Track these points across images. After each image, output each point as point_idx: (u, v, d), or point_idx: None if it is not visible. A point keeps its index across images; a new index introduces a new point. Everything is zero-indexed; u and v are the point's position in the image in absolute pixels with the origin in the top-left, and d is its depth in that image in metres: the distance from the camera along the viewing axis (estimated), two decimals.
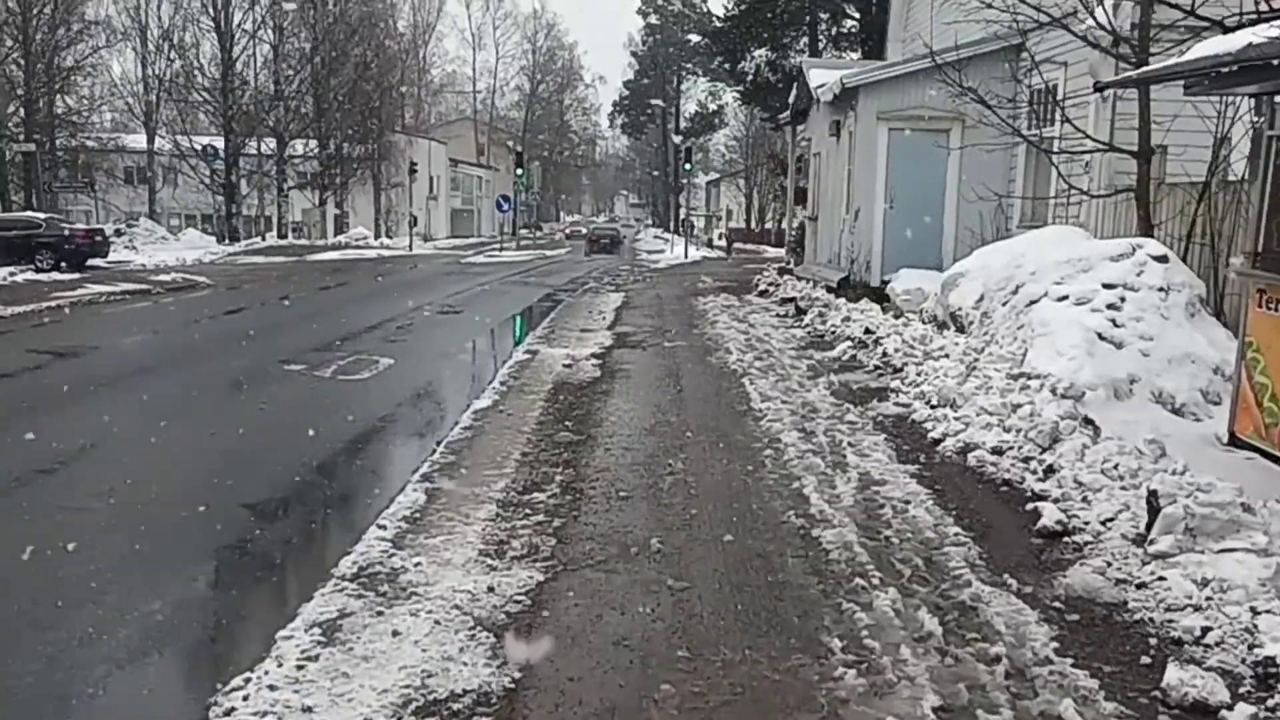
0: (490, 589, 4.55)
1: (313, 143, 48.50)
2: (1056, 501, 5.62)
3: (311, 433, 7.65)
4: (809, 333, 12.90)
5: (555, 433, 7.56)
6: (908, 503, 5.80)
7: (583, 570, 4.82)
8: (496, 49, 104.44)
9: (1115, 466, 5.82)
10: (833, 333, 12.57)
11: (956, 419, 7.42)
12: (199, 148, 40.88)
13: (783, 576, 4.73)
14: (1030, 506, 5.68)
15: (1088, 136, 10.45)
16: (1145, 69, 7.90)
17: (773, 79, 37.35)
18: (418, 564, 4.85)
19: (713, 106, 77.36)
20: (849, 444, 7.16)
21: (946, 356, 9.39)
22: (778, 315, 14.85)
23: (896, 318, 12.65)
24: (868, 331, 11.65)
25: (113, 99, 50.95)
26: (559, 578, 4.72)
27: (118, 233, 37.35)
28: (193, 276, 20.92)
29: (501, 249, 38.53)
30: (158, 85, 48.60)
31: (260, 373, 10.37)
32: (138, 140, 51.86)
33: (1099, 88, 9.13)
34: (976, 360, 8.17)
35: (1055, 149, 11.65)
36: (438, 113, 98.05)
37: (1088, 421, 6.58)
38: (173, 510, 5.91)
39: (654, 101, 73.93)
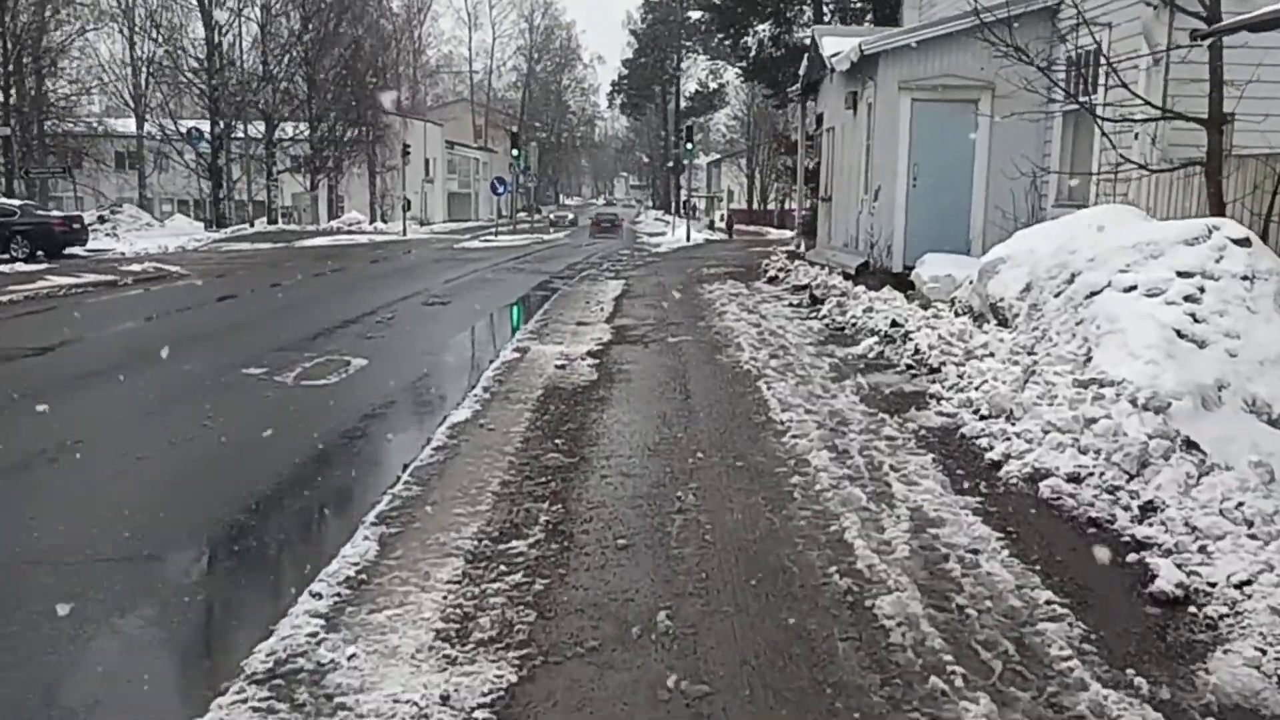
0: (445, 698, 3.41)
1: (303, 125, 47.25)
2: (1168, 554, 4.47)
3: (255, 456, 6.51)
4: (827, 325, 11.73)
5: (542, 454, 6.40)
6: (977, 553, 4.65)
7: (568, 663, 3.67)
8: (493, 28, 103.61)
9: (1238, 506, 4.66)
10: (854, 325, 11.40)
11: (1016, 435, 6.26)
12: (184, 131, 39.53)
13: (833, 673, 3.58)
14: (1133, 558, 4.54)
15: (1147, 103, 9.25)
16: (1263, 10, 6.66)
17: (776, 54, 36.06)
18: (353, 656, 3.70)
19: (713, 85, 75.99)
20: (891, 467, 6.00)
21: (991, 355, 8.23)
22: (791, 305, 13.68)
23: (924, 308, 11.47)
24: (894, 324, 10.48)
25: (101, 83, 49.68)
26: (536, 677, 3.57)
27: (101, 219, 36.17)
28: (167, 266, 19.76)
29: (497, 233, 37.29)
30: (145, 67, 47.38)
31: (212, 380, 9.21)
32: (128, 125, 50.65)
33: (1201, 36, 7.94)
34: (1034, 364, 6.99)
35: (1104, 117, 10.44)
36: (435, 94, 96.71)
37: (1190, 444, 5.42)
38: (44, 570, 4.76)
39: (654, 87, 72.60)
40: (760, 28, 37.06)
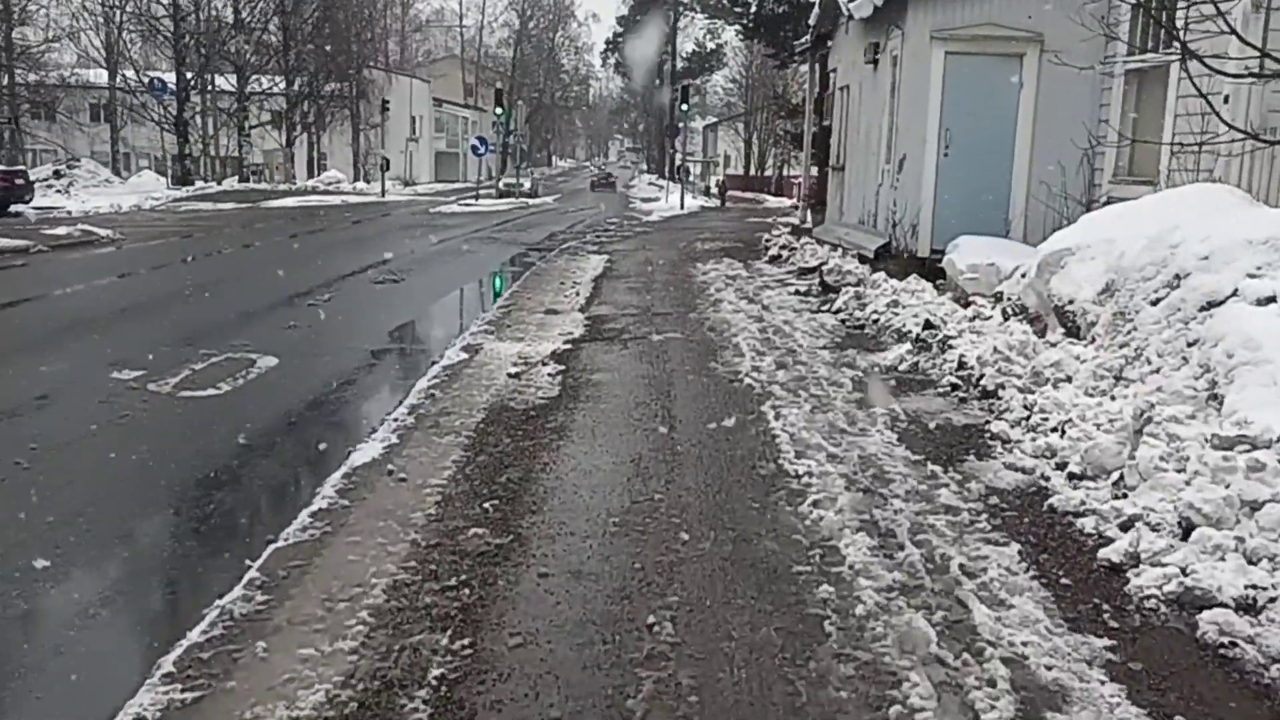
0: None
1: (279, 78, 44.86)
2: None
3: (50, 536, 4.60)
4: (843, 322, 9.80)
5: (463, 529, 4.50)
6: None
7: None
8: None
9: None
10: (876, 323, 9.48)
11: (1139, 519, 4.37)
12: (146, 81, 37.18)
13: None
14: None
15: (1264, 54, 7.28)
16: None
17: (779, 10, 33.89)
18: None
19: (711, 46, 73.37)
20: (963, 568, 4.11)
21: (1068, 380, 6.32)
22: (797, 293, 11.73)
23: (961, 304, 9.55)
24: (929, 326, 8.56)
25: (73, 30, 47.04)
26: None
27: (56, 174, 34.02)
28: (99, 230, 17.70)
29: (478, 197, 35.15)
30: (119, 14, 44.78)
31: (65, 387, 7.27)
32: (101, 76, 48.10)
33: None
34: (1149, 407, 5.08)
35: (1216, 69, 8.48)
36: (424, 51, 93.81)
37: None
38: None
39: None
40: None
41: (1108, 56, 10.72)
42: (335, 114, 53.24)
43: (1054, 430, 5.68)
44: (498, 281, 13.82)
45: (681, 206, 35.46)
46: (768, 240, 17.22)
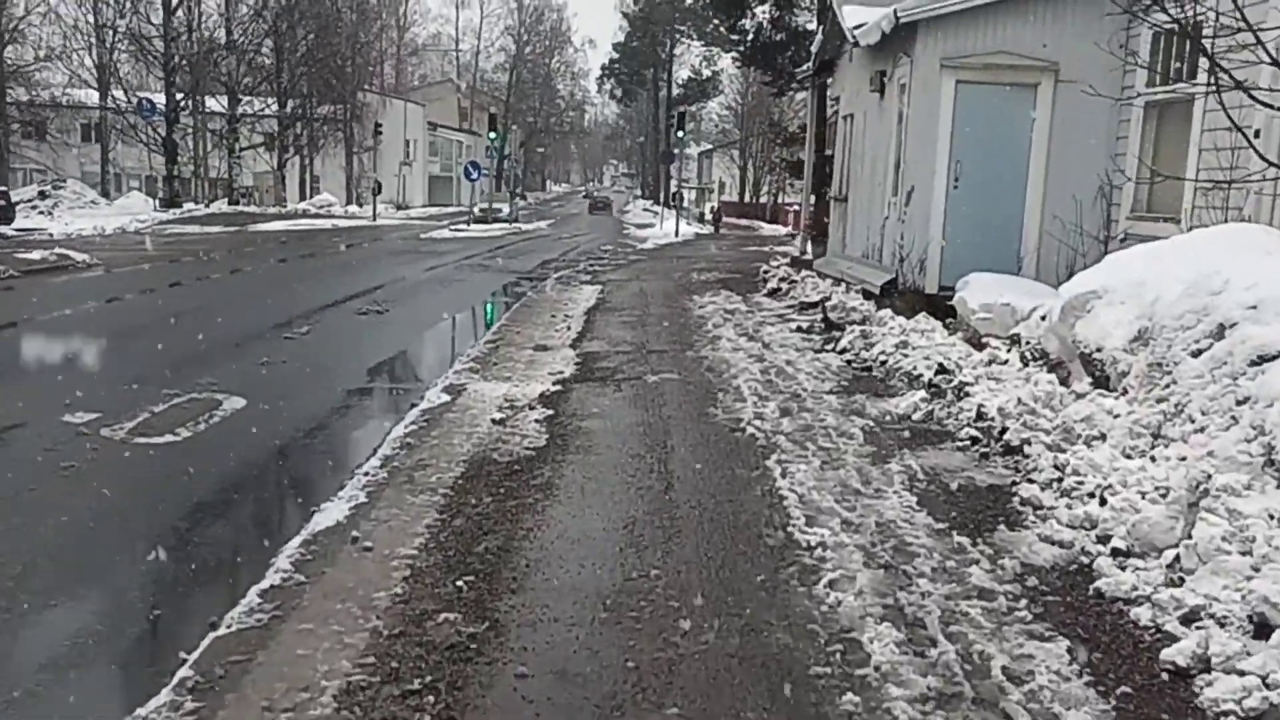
0: None
1: (272, 100, 44.45)
2: None
3: None
4: (849, 363, 9.27)
5: (432, 615, 3.95)
6: None
7: None
8: (481, 7, 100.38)
9: None
10: (884, 365, 8.96)
11: (1203, 610, 3.83)
12: (134, 101, 36.72)
13: None
14: None
15: None
16: None
17: (776, 38, 33.60)
18: None
19: (707, 72, 73.41)
20: (1007, 672, 3.56)
21: (1102, 439, 5.80)
22: (799, 330, 11.20)
23: (975, 346, 9.05)
24: (942, 371, 8.04)
25: (65, 50, 46.57)
26: None
27: (41, 195, 33.54)
28: (75, 254, 17.12)
29: (470, 222, 34.66)
30: (111, 35, 44.33)
31: (4, 430, 6.69)
32: (92, 96, 47.56)
33: None
34: (1206, 479, 4.54)
35: (1263, 97, 8.01)
36: (420, 75, 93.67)
37: None
38: None
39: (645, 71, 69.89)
40: (759, 10, 34.53)
41: (1126, 87, 10.29)
42: (328, 137, 52.88)
43: (1091, 496, 5.15)
44: (486, 313, 13.30)
45: (676, 234, 35.03)
46: (766, 272, 16.72)
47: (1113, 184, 10.42)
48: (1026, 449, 6.07)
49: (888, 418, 7.23)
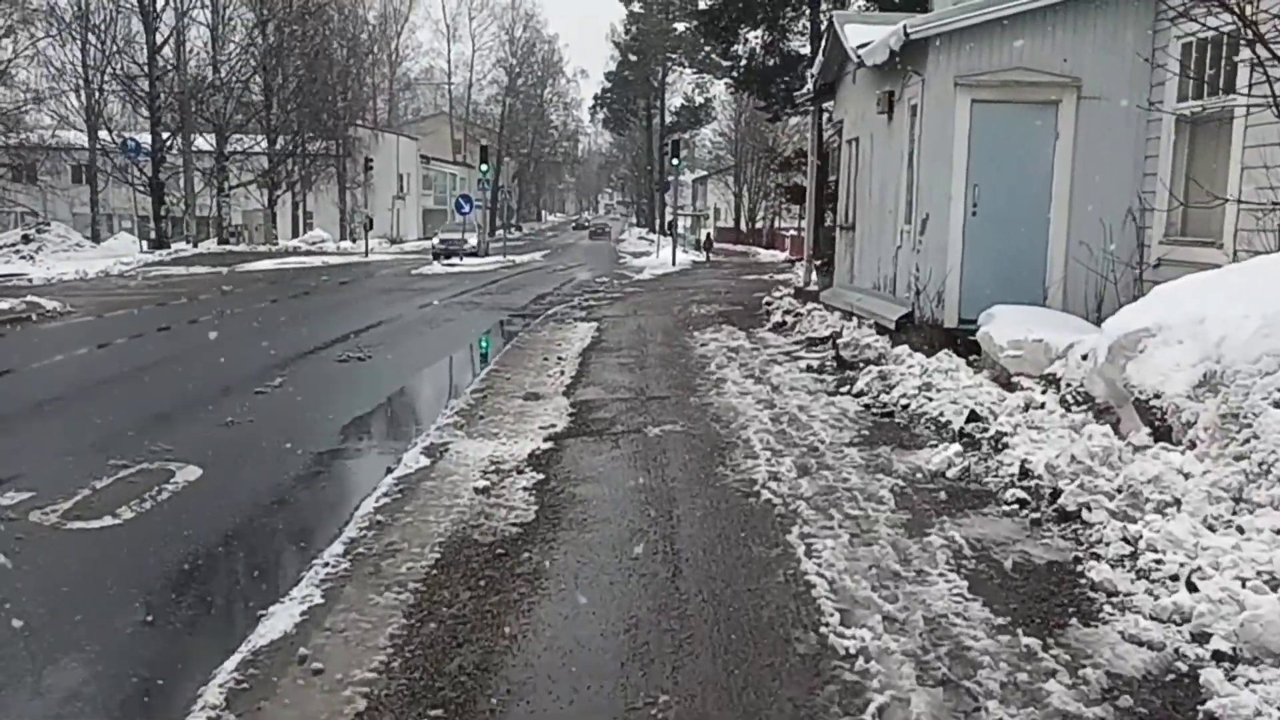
0: None
1: (262, 137, 43.93)
2: None
3: None
4: (868, 408, 8.49)
5: None
6: None
7: None
8: (473, 40, 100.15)
9: None
10: (906, 409, 8.18)
11: None
12: (119, 141, 36.12)
13: None
14: None
15: None
16: None
17: (770, 63, 33.10)
18: None
19: (700, 100, 73.17)
20: None
21: (1176, 504, 5.02)
22: (809, 369, 10.43)
23: (1003, 385, 8.29)
24: (974, 418, 7.27)
25: (53, 91, 46.02)
26: None
27: (25, 239, 32.74)
28: (47, 302, 16.33)
29: (463, 257, 33.97)
30: (100, 75, 43.79)
31: None
32: (81, 138, 47.00)
33: None
34: None
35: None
36: (414, 109, 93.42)
37: None
38: None
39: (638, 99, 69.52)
40: (752, 36, 34.03)
41: (1154, 102, 9.59)
42: (320, 172, 52.33)
43: (1175, 579, 4.37)
44: (474, 358, 12.53)
45: (673, 263, 34.34)
46: (769, 304, 15.99)
47: (1144, 206, 9.70)
48: (1086, 515, 5.29)
49: (919, 475, 6.44)
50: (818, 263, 16.64)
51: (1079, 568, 4.80)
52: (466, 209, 35.14)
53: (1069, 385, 7.22)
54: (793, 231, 50.20)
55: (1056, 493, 5.62)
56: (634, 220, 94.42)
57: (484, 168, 35.83)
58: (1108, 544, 4.92)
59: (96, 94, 42.82)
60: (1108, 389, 6.62)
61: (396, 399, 9.86)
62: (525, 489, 6.26)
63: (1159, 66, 9.60)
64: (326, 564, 5.00)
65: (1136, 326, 6.42)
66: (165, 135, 37.27)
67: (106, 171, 41.13)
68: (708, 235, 48.09)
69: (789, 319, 13.64)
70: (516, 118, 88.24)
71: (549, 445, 7.43)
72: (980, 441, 6.92)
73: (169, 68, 37.51)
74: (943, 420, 7.64)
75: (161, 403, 9.02)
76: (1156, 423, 5.98)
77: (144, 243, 37.27)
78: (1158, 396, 5.99)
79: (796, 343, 12.26)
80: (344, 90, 54.29)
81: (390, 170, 63.89)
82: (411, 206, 70.32)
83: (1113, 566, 4.71)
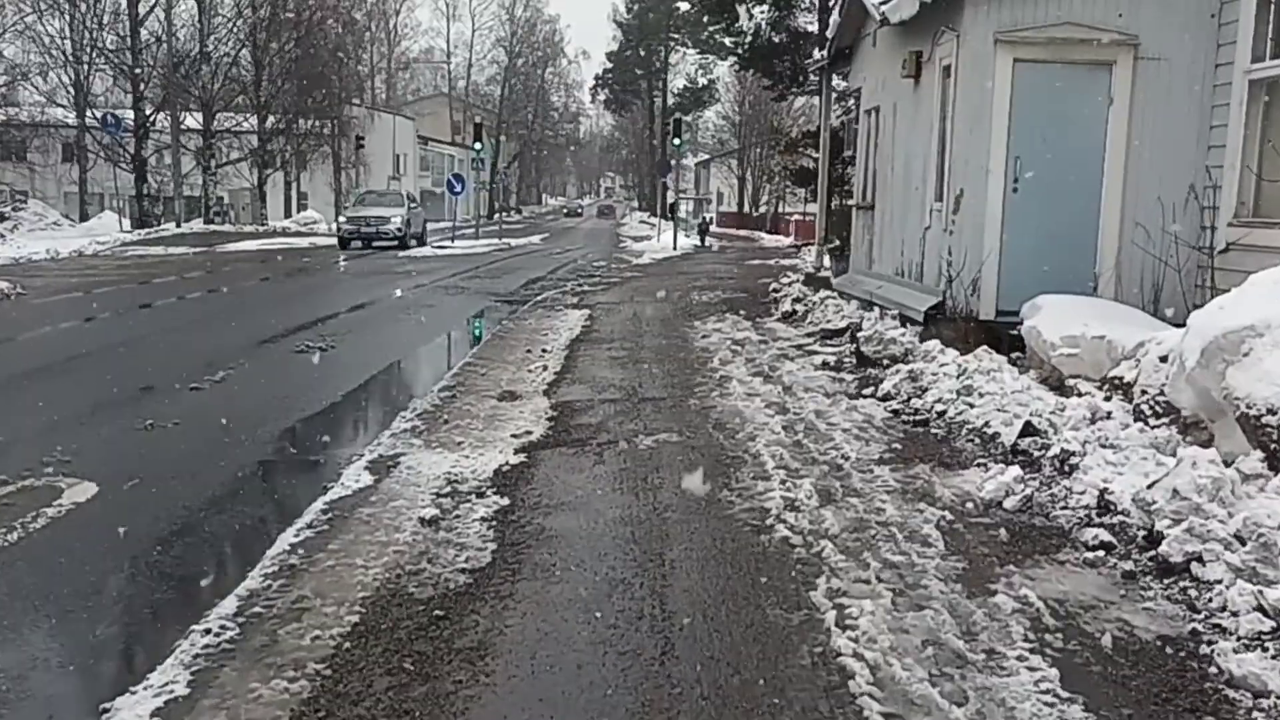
0: None
1: (252, 114, 42.54)
2: None
3: None
4: (897, 414, 7.27)
5: None
6: None
7: None
8: (473, 20, 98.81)
9: None
10: (942, 417, 6.97)
11: None
12: (99, 117, 34.81)
13: None
14: None
15: None
16: None
17: (776, 40, 31.80)
18: None
19: (703, 81, 71.64)
20: None
21: None
22: (825, 366, 9.22)
23: (1057, 390, 7.09)
24: (1030, 431, 6.06)
25: (45, 65, 44.58)
26: None
27: (0, 217, 31.55)
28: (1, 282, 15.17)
29: (454, 239, 32.65)
30: (89, 51, 42.39)
31: None
32: (70, 115, 45.63)
33: None
34: None
35: None
36: (413, 89, 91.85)
37: None
38: None
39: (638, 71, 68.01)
40: (757, 11, 32.71)
41: (1223, 64, 8.36)
42: (314, 152, 50.98)
43: None
44: (449, 350, 11.31)
45: (675, 247, 33.08)
46: (776, 290, 14.76)
47: (1210, 183, 8.47)
48: (1198, 570, 4.09)
49: (969, 506, 5.24)
50: (830, 246, 15.39)
51: (1202, 648, 3.61)
52: (459, 189, 33.87)
53: (1145, 393, 6.01)
54: (797, 216, 48.92)
55: (1153, 536, 4.42)
56: (635, 204, 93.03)
57: (478, 146, 34.44)
58: (1236, 614, 3.72)
59: (85, 69, 41.58)
60: (1198, 400, 5.41)
61: (353, 398, 8.64)
62: (483, 520, 5.06)
63: (1229, 23, 8.37)
64: (209, 630, 3.80)
65: (1237, 324, 5.20)
66: (149, 111, 35.89)
67: (92, 151, 39.89)
68: (703, 219, 46.34)
69: (799, 308, 12.41)
70: (517, 99, 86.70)
71: (520, 459, 6.22)
72: (1040, 461, 5.72)
73: (154, 40, 36.13)
74: (989, 432, 6.44)
75: (78, 401, 7.81)
76: (1273, 445, 4.77)
77: (128, 222, 36.02)
78: (1272, 413, 4.78)
79: (809, 335, 11.03)
80: (338, 67, 52.89)
81: (386, 150, 62.44)
82: (408, 188, 68.84)
83: (1248, 647, 3.52)
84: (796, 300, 12.82)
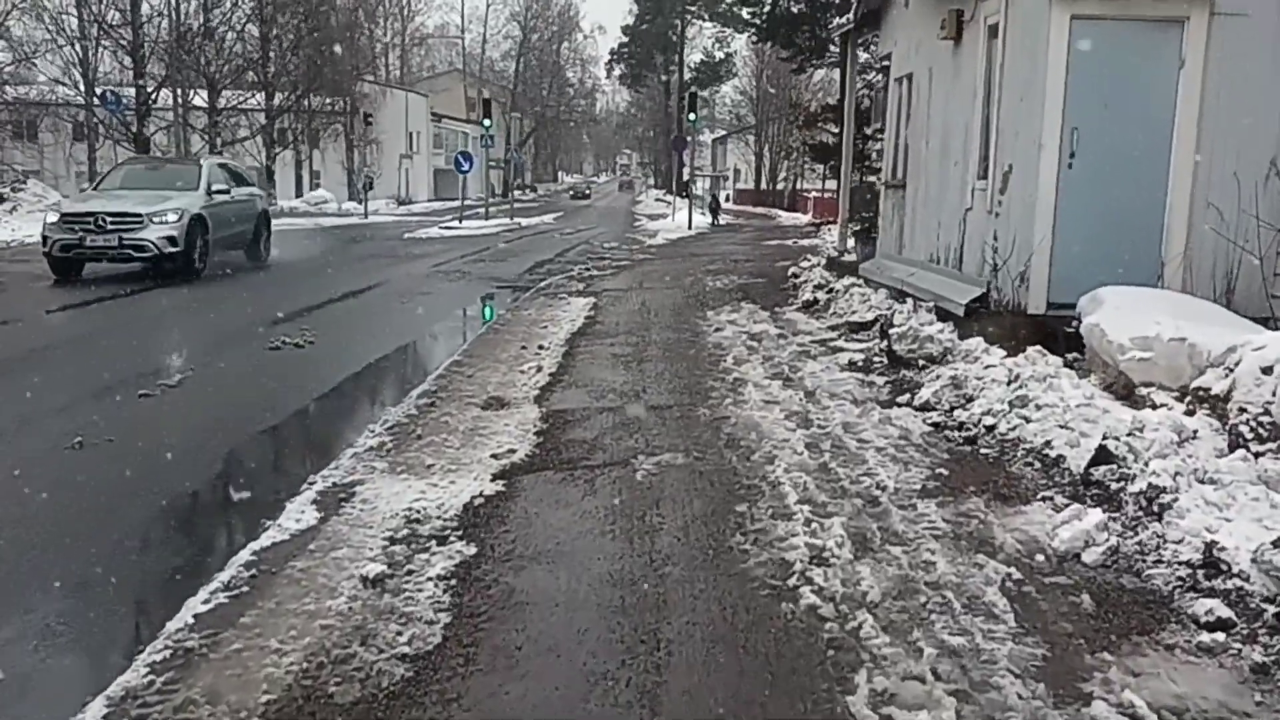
0: None
1: (259, 92, 41.62)
2: None
3: None
4: (938, 427, 6.27)
5: None
6: None
7: None
8: None
9: None
10: (992, 433, 5.98)
11: None
12: (98, 94, 33.95)
13: None
14: None
15: None
16: None
17: (795, 9, 30.65)
18: None
19: (720, 55, 70.24)
20: None
21: None
22: (852, 366, 8.22)
23: (1125, 399, 6.09)
24: (1105, 457, 5.04)
25: (54, 43, 43.69)
26: None
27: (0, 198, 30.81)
28: None
29: (462, 219, 31.66)
30: (96, 27, 41.51)
31: None
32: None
33: None
34: None
35: None
36: (428, 65, 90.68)
37: None
38: None
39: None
40: None
41: None
42: (325, 130, 50.03)
43: None
44: (438, 345, 10.37)
45: (689, 226, 32.02)
46: (796, 276, 13.72)
47: None
48: None
49: (1039, 557, 4.26)
50: (855, 228, 14.33)
51: None
52: (467, 167, 32.77)
53: (1243, 411, 5.00)
54: (815, 193, 47.68)
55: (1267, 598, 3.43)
56: (651, 181, 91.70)
57: (487, 122, 33.32)
58: None
59: (92, 45, 40.72)
60: None
61: (320, 405, 7.69)
62: (441, 578, 4.12)
63: None
64: None
65: None
66: (150, 87, 35.00)
67: (98, 131, 39.07)
68: (714, 197, 44.70)
69: (822, 296, 11.38)
70: (531, 74, 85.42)
71: (498, 487, 5.28)
72: (1120, 498, 4.72)
73: (155, 14, 35.21)
74: (1050, 455, 5.45)
75: (4, 415, 6.88)
76: None
77: None
78: None
79: (833, 328, 10.00)
80: (350, 42, 51.83)
81: (399, 128, 61.45)
82: (421, 166, 67.93)
83: None
84: (818, 288, 11.79)
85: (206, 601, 3.91)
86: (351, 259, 20.26)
